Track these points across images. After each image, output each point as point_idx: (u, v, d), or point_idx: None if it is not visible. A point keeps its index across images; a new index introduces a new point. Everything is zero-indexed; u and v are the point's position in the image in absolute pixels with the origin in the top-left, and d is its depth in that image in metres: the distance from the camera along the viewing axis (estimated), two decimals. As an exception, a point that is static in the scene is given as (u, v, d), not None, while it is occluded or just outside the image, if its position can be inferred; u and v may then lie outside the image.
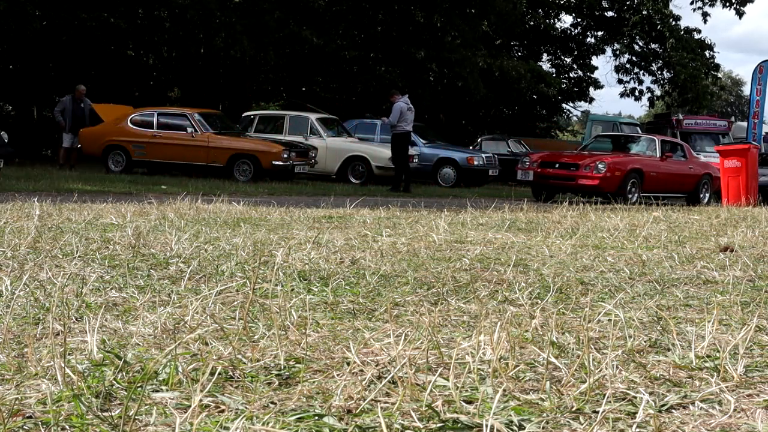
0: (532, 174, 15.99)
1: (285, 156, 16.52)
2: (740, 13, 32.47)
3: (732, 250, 5.28)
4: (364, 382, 1.96)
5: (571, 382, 2.04)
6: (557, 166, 15.74)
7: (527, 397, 1.95)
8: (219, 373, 2.04)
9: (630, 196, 15.20)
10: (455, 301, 3.22)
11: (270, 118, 20.39)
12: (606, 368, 2.13)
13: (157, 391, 1.93)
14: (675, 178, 16.51)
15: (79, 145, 17.75)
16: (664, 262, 4.59)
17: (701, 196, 16.94)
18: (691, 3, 33.13)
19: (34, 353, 2.15)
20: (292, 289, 3.37)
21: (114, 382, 1.96)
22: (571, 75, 35.68)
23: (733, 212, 10.36)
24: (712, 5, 32.81)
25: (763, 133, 22.42)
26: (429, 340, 2.35)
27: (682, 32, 32.85)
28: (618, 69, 34.64)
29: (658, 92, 34.82)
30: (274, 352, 2.26)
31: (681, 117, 26.00)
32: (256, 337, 2.48)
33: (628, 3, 33.06)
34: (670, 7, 32.91)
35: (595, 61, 44.00)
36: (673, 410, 1.91)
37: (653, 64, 34.03)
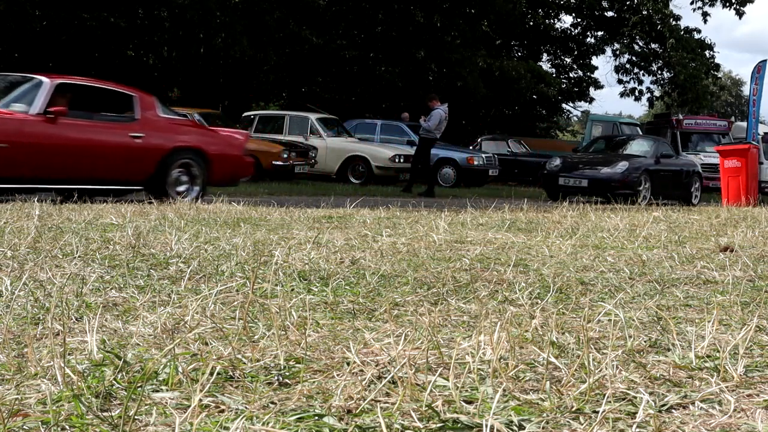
0: None
1: (285, 156, 16.52)
2: (740, 13, 32.47)
3: (732, 250, 5.28)
4: (364, 382, 1.96)
5: (571, 382, 2.04)
6: None
7: (527, 397, 1.95)
8: (219, 373, 2.04)
9: None
10: (455, 301, 3.22)
11: (270, 118, 20.40)
12: (606, 368, 2.13)
13: (157, 391, 1.93)
14: (77, 154, 9.01)
15: None
16: (664, 262, 4.59)
17: (183, 189, 9.75)
18: (691, 3, 33.14)
19: (34, 353, 2.15)
20: (292, 289, 3.37)
21: (114, 382, 1.96)
22: (571, 75, 35.69)
23: (733, 212, 10.36)
24: (712, 5, 32.81)
25: (762, 133, 22.38)
26: (429, 340, 2.35)
27: (682, 32, 32.86)
28: (618, 69, 34.67)
29: (657, 92, 34.83)
30: (274, 352, 2.26)
31: (681, 117, 26.01)
32: (256, 337, 2.48)
33: (628, 3, 33.06)
34: (670, 7, 32.92)
35: (595, 61, 44.01)
36: (673, 410, 1.91)
37: (653, 64, 34.04)
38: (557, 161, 16.55)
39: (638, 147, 17.19)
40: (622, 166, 15.55)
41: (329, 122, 19.82)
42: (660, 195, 15.45)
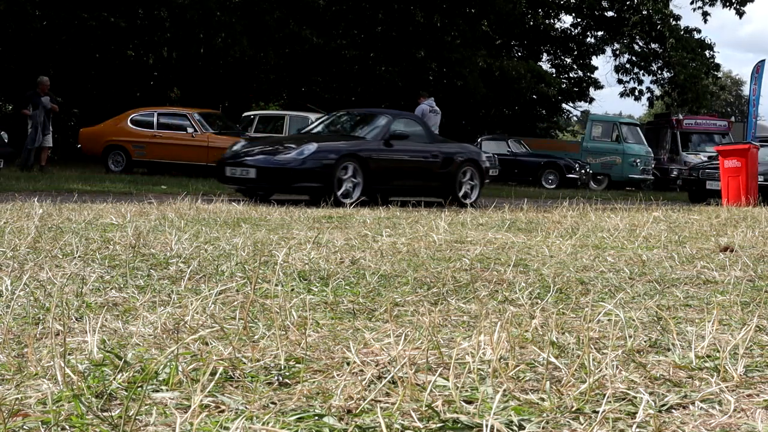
0: None
1: (285, 156, 16.51)
2: (740, 13, 32.45)
3: (732, 250, 5.28)
4: (364, 382, 1.95)
5: (571, 382, 2.04)
6: None
7: (527, 397, 1.95)
8: (219, 373, 2.04)
9: None
10: (455, 301, 3.22)
11: (270, 118, 20.38)
12: (606, 368, 2.13)
13: (157, 391, 1.93)
14: None
15: (49, 145, 17.23)
16: (664, 262, 4.59)
17: None
18: (691, 3, 33.12)
19: (34, 353, 2.15)
20: (292, 289, 3.37)
21: (114, 382, 1.96)
22: (571, 75, 35.69)
23: (733, 212, 10.35)
24: (712, 5, 32.80)
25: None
26: (429, 340, 2.35)
27: (682, 32, 32.85)
28: (618, 69, 34.64)
29: (657, 92, 34.83)
30: (274, 352, 2.26)
31: (681, 117, 26.01)
32: (256, 337, 2.48)
33: (628, 3, 33.04)
34: (670, 7, 32.91)
35: (595, 61, 44.02)
36: (673, 410, 1.91)
37: (653, 64, 34.03)
38: (239, 144, 11.82)
39: (364, 126, 12.10)
40: (308, 149, 10.64)
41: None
42: (388, 191, 11.27)
